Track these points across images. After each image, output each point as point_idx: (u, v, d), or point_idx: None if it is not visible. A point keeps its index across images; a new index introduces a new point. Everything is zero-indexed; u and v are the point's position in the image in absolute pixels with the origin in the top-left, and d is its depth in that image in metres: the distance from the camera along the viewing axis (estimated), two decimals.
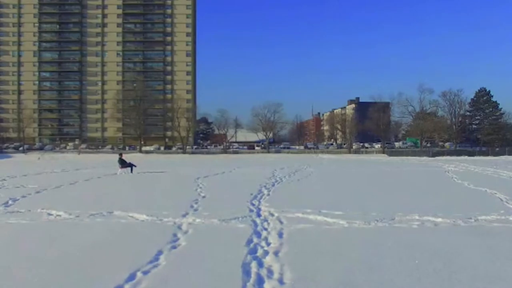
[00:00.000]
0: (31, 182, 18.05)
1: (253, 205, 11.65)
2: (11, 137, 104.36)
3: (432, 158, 61.56)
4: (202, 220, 9.33)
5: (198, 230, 8.30)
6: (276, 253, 6.52)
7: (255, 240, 7.46)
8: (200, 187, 16.03)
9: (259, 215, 10.02)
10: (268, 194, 13.86)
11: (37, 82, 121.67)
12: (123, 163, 23.56)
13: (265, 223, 9.00)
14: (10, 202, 12.26)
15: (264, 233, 8.04)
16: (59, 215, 10.09)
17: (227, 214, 9.92)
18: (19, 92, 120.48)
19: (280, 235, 7.85)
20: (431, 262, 5.95)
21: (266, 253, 6.61)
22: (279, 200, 12.49)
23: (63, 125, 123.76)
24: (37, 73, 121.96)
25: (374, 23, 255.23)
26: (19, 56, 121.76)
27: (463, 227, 8.50)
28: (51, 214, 10.20)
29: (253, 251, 6.67)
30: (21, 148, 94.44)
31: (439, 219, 9.16)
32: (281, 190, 14.95)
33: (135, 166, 23.73)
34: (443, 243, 7.07)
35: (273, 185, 16.88)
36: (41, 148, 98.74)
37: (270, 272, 5.66)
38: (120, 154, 24.50)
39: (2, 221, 9.44)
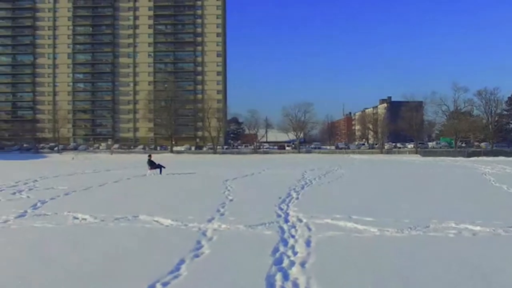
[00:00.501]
0: (62, 183, 18.23)
1: (281, 209, 11.35)
2: (46, 137, 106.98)
3: (468, 159, 59.81)
4: (228, 225, 9.09)
5: (223, 237, 8.06)
6: (302, 264, 6.22)
7: (282, 249, 7.17)
8: (228, 190, 15.83)
9: (286, 221, 9.72)
10: (297, 198, 13.54)
11: (71, 84, 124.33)
12: (152, 164, 23.60)
13: (293, 230, 8.70)
14: (38, 204, 12.34)
15: (291, 241, 7.75)
16: (85, 219, 10.04)
17: (254, 220, 9.66)
18: (54, 94, 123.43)
19: (308, 243, 7.53)
20: (471, 278, 5.53)
21: (292, 263, 6.31)
22: (308, 204, 12.15)
23: (96, 126, 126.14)
24: (71, 75, 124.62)
25: (405, 19, 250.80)
26: (54, 58, 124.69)
27: (504, 237, 7.99)
28: (77, 218, 10.16)
29: (278, 262, 6.39)
30: (56, 148, 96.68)
31: (478, 228, 8.66)
32: (310, 193, 14.59)
33: (164, 167, 23.76)
34: (483, 257, 6.60)
35: (303, 187, 16.52)
36: (75, 148, 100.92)
37: (295, 285, 5.37)
38: (149, 156, 24.56)
39: (28, 224, 9.45)
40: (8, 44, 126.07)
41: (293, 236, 8.15)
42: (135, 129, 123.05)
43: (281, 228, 8.92)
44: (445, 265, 6.12)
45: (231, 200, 13.05)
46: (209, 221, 9.62)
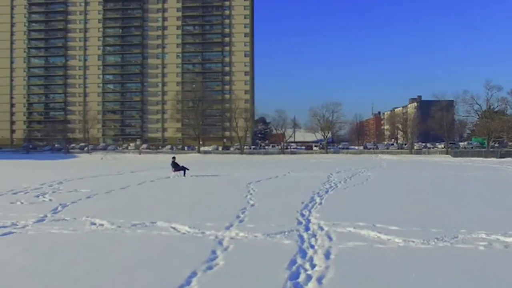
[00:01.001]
0: (85, 185, 18.30)
1: (303, 215, 11.00)
2: (77, 137, 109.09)
3: (501, 160, 57.97)
4: (246, 234, 8.79)
5: (239, 246, 7.77)
6: (319, 280, 5.87)
7: (299, 261, 6.83)
8: (251, 193, 15.55)
9: (307, 229, 9.36)
10: (320, 203, 13.14)
11: (101, 85, 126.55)
12: (176, 166, 23.52)
13: (313, 239, 8.33)
14: (59, 208, 12.33)
15: (310, 252, 7.39)
16: (102, 225, 9.92)
17: (273, 227, 9.34)
18: (85, 95, 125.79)
19: (327, 255, 7.16)
20: None
21: (309, 278, 5.97)
22: (331, 210, 11.76)
23: (125, 126, 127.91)
24: (101, 76, 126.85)
25: (435, 19, 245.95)
26: (85, 60, 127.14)
27: None
28: (94, 224, 10.04)
29: (295, 276, 6.05)
30: (86, 149, 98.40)
31: (510, 239, 8.11)
32: (334, 198, 14.17)
33: (187, 169, 23.65)
34: None
35: (327, 191, 16.10)
36: (104, 149, 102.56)
37: None
38: (173, 158, 24.50)
39: (45, 230, 9.37)
40: (41, 46, 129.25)
41: (312, 247, 7.79)
42: (163, 130, 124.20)
43: (301, 237, 8.58)
44: (474, 282, 5.67)
45: (252, 205, 12.76)
46: (227, 228, 9.36)
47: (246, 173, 26.36)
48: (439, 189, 17.03)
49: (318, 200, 13.85)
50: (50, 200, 14.12)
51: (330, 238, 8.42)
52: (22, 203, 13.51)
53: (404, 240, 8.11)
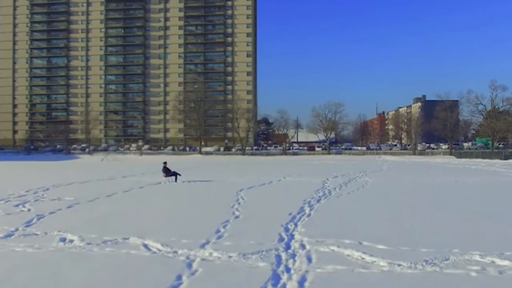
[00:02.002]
0: (71, 193, 17.74)
1: (287, 230, 10.36)
2: (79, 138, 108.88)
3: (505, 161, 57.06)
4: (220, 253, 8.16)
5: (208, 270, 7.13)
6: None
7: None
8: (239, 203, 14.92)
9: (288, 247, 8.73)
10: (309, 215, 12.50)
11: (103, 85, 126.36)
12: (167, 172, 22.91)
13: (291, 261, 7.69)
14: (34, 220, 11.79)
15: (284, 278, 6.75)
16: (72, 241, 9.34)
17: (252, 246, 8.72)
18: (87, 95, 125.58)
19: (302, 282, 6.51)
20: None
21: None
22: (318, 224, 11.10)
23: (127, 126, 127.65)
24: (103, 77, 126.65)
25: (440, 19, 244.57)
26: (87, 60, 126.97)
27: None
28: (64, 239, 9.46)
29: None
30: (87, 150, 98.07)
31: (506, 262, 7.43)
32: (324, 209, 13.50)
33: (179, 174, 23.04)
34: None
35: (319, 200, 15.44)
36: (105, 149, 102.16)
37: None
38: (165, 163, 23.85)
39: (9, 247, 8.78)
40: (43, 47, 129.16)
41: (288, 270, 7.15)
42: (165, 130, 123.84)
43: (279, 257, 7.94)
44: None
45: (236, 217, 12.13)
46: (202, 246, 8.74)
47: (240, 178, 25.73)
48: (436, 199, 16.27)
49: (307, 210, 13.21)
50: (29, 210, 13.55)
51: (309, 260, 7.79)
52: None
53: (389, 264, 7.45)
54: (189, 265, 7.44)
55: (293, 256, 8.10)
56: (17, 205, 14.46)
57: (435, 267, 7.27)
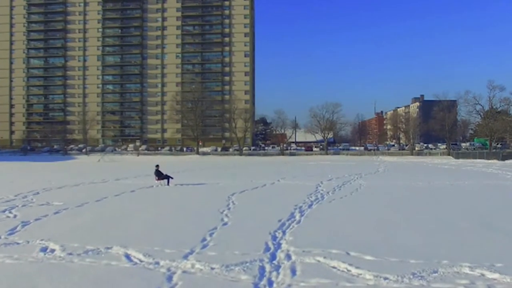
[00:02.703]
0: (61, 197, 17.50)
1: (274, 238, 10.14)
2: (76, 138, 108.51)
3: (503, 163, 56.90)
4: (202, 265, 7.93)
5: (188, 284, 6.91)
6: None
7: None
8: (229, 208, 14.69)
9: (273, 258, 8.50)
10: (299, 221, 12.26)
11: (100, 85, 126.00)
12: (160, 175, 22.65)
13: (274, 274, 7.47)
14: (18, 227, 11.55)
15: None
16: (53, 250, 9.12)
17: (236, 256, 8.50)
18: (84, 95, 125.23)
19: None
20: None
21: None
22: (307, 232, 10.86)
23: (124, 127, 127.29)
24: (100, 77, 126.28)
25: (438, 17, 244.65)
26: (85, 60, 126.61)
27: None
28: (45, 249, 9.23)
29: None
30: (84, 150, 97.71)
31: (496, 275, 7.20)
32: (315, 215, 13.27)
33: (172, 178, 22.77)
34: None
35: (311, 205, 15.21)
36: (102, 150, 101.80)
37: None
38: (157, 166, 23.56)
39: None
40: (41, 47, 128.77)
41: (270, 284, 6.94)
42: (163, 130, 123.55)
43: (262, 269, 7.72)
44: None
45: (224, 224, 11.90)
46: (186, 256, 8.51)
47: (234, 181, 25.48)
48: (429, 204, 16.01)
49: (297, 217, 12.98)
50: (15, 216, 13.30)
51: (293, 272, 7.56)
52: None
53: (375, 276, 7.23)
54: (169, 278, 7.22)
55: (277, 268, 7.88)
56: (4, 211, 14.21)
57: (422, 280, 7.05)
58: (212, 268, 7.75)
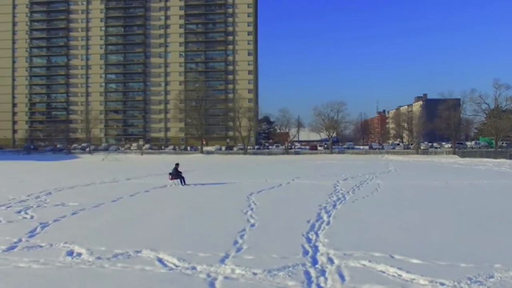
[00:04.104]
0: (74, 197, 17.07)
1: (309, 241, 9.70)
2: (79, 137, 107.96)
3: (510, 161, 56.30)
4: (243, 270, 7.50)
5: None
6: None
7: None
8: (251, 208, 14.25)
9: (315, 262, 8.07)
10: (328, 222, 11.83)
11: (103, 84, 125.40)
12: (177, 174, 21.98)
13: (322, 279, 7.04)
14: (38, 229, 11.14)
15: None
16: (79, 254, 8.69)
17: (276, 260, 8.08)
18: (87, 94, 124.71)
19: None
20: None
21: None
22: (340, 233, 10.42)
23: (127, 126, 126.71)
24: (103, 76, 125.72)
25: (440, 17, 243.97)
26: (87, 59, 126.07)
27: None
28: (71, 253, 8.80)
29: None
30: (87, 149, 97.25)
31: None
32: (343, 216, 12.82)
33: (184, 177, 22.22)
34: None
35: (334, 206, 14.77)
36: (106, 149, 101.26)
37: None
38: (177, 164, 22.80)
39: (12, 263, 8.13)
40: (43, 46, 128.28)
41: None
42: (166, 129, 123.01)
43: (307, 274, 7.30)
44: None
45: (252, 225, 11.47)
46: (222, 261, 8.08)
47: (247, 180, 25.01)
48: (456, 205, 15.55)
49: (325, 217, 12.54)
50: (32, 217, 12.90)
51: (342, 277, 7.13)
52: None
53: (431, 282, 6.79)
54: (212, 285, 6.80)
55: (323, 272, 7.46)
56: (19, 212, 13.81)
57: (482, 286, 6.61)
58: (255, 274, 7.33)
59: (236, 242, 9.53)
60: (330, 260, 8.15)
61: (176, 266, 7.85)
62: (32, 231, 10.86)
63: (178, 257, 8.29)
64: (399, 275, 7.25)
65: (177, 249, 8.91)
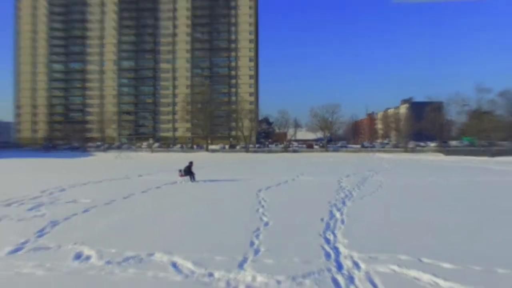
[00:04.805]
0: (87, 194, 15.79)
1: (328, 241, 8.48)
2: (94, 137, 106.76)
3: (496, 159, 55.11)
4: (266, 277, 6.30)
5: None
6: None
7: None
8: (262, 205, 13.01)
9: (340, 266, 6.87)
10: (342, 221, 10.59)
11: (116, 88, 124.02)
12: (189, 172, 20.69)
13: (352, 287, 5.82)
14: (47, 228, 9.89)
15: None
16: (89, 257, 7.47)
17: (298, 264, 6.87)
18: (102, 97, 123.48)
19: None
20: None
21: None
22: (358, 233, 9.19)
23: (139, 126, 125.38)
24: (116, 80, 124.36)
25: (428, 23, 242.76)
26: (102, 65, 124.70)
27: None
28: (80, 256, 7.58)
29: None
30: (102, 147, 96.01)
31: None
32: (355, 213, 11.58)
33: (194, 174, 20.98)
34: None
35: (344, 202, 13.53)
36: (119, 147, 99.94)
37: None
38: (191, 163, 21.39)
39: (15, 267, 6.91)
40: (62, 53, 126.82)
41: None
42: (174, 129, 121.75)
43: (335, 282, 6.09)
44: None
45: (266, 224, 10.22)
46: (241, 265, 6.87)
47: (253, 177, 23.72)
48: (465, 202, 14.32)
49: (338, 215, 11.31)
50: (43, 215, 11.62)
51: (373, 285, 5.93)
52: (11, 219, 11.06)
53: None
54: None
55: (351, 279, 6.27)
56: (31, 209, 12.54)
57: None
58: (279, 282, 6.13)
59: (252, 243, 8.32)
60: (356, 265, 6.95)
61: (192, 272, 6.65)
62: (41, 230, 9.63)
63: (194, 261, 7.09)
64: (435, 282, 6.06)
65: (191, 251, 7.70)
